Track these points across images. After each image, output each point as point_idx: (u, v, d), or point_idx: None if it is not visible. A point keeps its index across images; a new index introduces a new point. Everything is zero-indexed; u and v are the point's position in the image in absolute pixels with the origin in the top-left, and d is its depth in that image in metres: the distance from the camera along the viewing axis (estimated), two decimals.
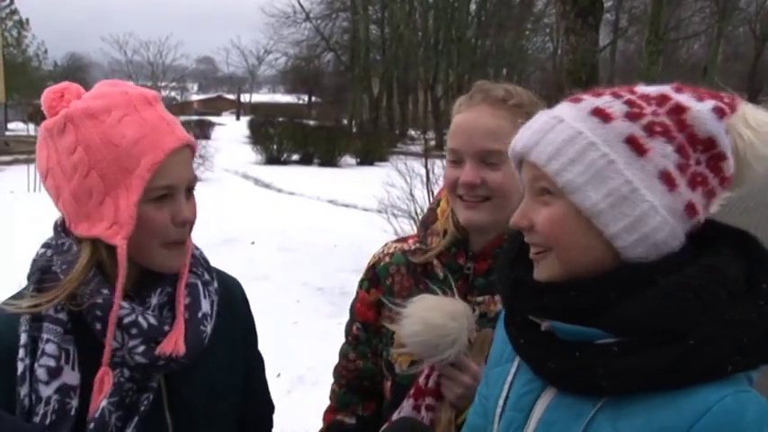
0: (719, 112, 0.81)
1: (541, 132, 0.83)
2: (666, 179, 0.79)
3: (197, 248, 1.13)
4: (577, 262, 0.82)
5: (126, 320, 0.96)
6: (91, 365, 0.96)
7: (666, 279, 0.78)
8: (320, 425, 1.49)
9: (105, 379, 0.95)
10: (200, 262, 1.11)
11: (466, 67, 29.47)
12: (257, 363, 1.25)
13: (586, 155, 0.80)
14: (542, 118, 0.86)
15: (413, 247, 1.34)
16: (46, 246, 1.03)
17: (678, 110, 0.81)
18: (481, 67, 30.47)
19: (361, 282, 1.41)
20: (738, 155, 0.82)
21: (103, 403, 0.94)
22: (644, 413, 0.77)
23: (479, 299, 1.24)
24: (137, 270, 1.01)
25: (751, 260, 0.83)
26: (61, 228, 1.03)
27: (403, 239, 1.42)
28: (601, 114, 0.81)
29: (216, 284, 1.11)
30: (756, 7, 31.93)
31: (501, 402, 0.93)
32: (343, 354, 1.45)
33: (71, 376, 0.95)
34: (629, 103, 0.82)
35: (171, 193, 0.99)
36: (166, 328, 0.99)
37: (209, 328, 1.03)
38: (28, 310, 0.95)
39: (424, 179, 7.00)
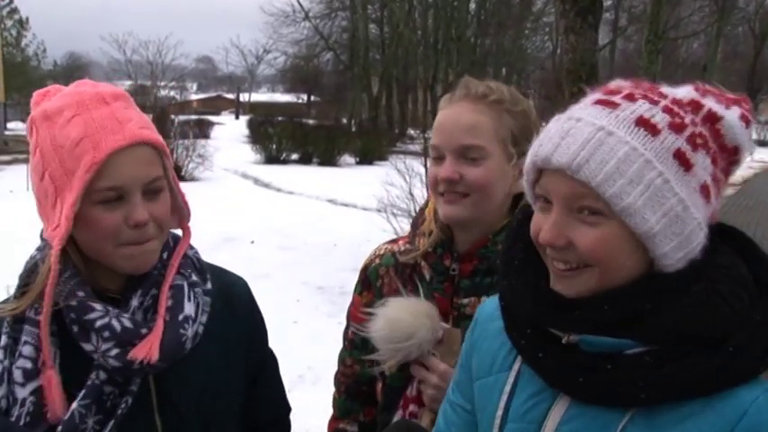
0: (746, 120, 0.81)
1: (591, 147, 0.77)
2: (705, 192, 0.79)
3: (191, 248, 1.11)
4: (617, 279, 0.80)
5: (98, 323, 0.94)
6: (73, 367, 0.96)
7: (696, 286, 0.78)
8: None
9: (52, 381, 0.94)
10: (191, 263, 1.09)
11: (465, 67, 29.41)
12: (267, 362, 1.22)
13: (644, 175, 0.75)
14: (582, 127, 0.78)
15: (402, 248, 1.34)
16: (38, 248, 1.02)
17: (713, 119, 0.80)
18: (481, 66, 30.46)
19: (356, 286, 1.41)
20: None
21: (74, 405, 0.93)
22: (678, 421, 0.76)
23: (465, 301, 1.23)
24: (121, 274, 1.00)
25: (748, 258, 0.84)
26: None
27: (394, 241, 1.42)
28: (647, 126, 0.77)
29: (209, 285, 1.09)
30: (755, 6, 31.95)
31: (500, 413, 0.91)
32: (341, 360, 1.45)
33: (49, 378, 0.94)
34: (669, 111, 0.79)
35: (122, 195, 0.95)
36: (144, 330, 0.97)
37: (190, 331, 1.01)
38: (9, 313, 0.95)
39: (424, 178, 7.02)
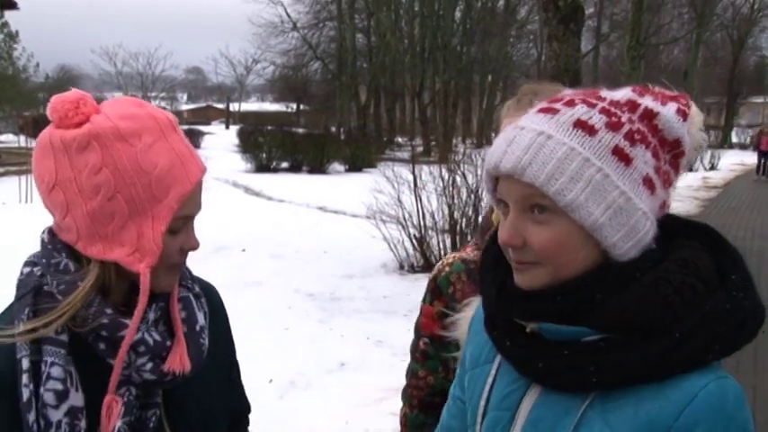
0: (682, 114, 0.85)
1: (533, 151, 0.82)
2: (649, 184, 0.83)
3: None
4: (571, 271, 0.84)
5: (134, 339, 0.95)
6: (94, 386, 0.95)
7: (646, 275, 0.81)
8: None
9: (113, 405, 0.94)
10: (187, 275, 1.10)
11: (452, 74, 29.67)
12: (233, 358, 1.25)
13: (584, 171, 0.80)
14: (525, 134, 0.84)
15: (471, 255, 1.37)
16: (31, 264, 0.99)
17: (649, 115, 0.84)
18: (467, 73, 30.69)
19: (425, 297, 1.43)
20: None
21: (118, 424, 0.94)
22: (632, 405, 0.80)
23: None
24: (127, 285, 1.00)
25: (716, 251, 0.87)
26: (51, 245, 0.97)
27: (461, 249, 1.45)
28: (584, 127, 0.82)
29: (203, 296, 1.10)
30: (733, 13, 32.48)
31: (483, 403, 0.95)
32: (412, 373, 1.45)
33: (77, 398, 0.93)
34: (605, 112, 0.83)
35: (186, 222, 0.99)
36: (168, 343, 0.98)
37: (206, 341, 1.03)
38: (25, 337, 0.92)
39: (412, 185, 7.11)
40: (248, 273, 6.71)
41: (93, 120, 0.94)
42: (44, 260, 0.96)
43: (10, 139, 23.74)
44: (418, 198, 7.04)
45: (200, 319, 1.05)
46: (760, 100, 47.00)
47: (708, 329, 0.79)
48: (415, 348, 1.44)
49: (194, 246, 1.00)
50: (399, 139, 29.90)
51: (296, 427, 3.37)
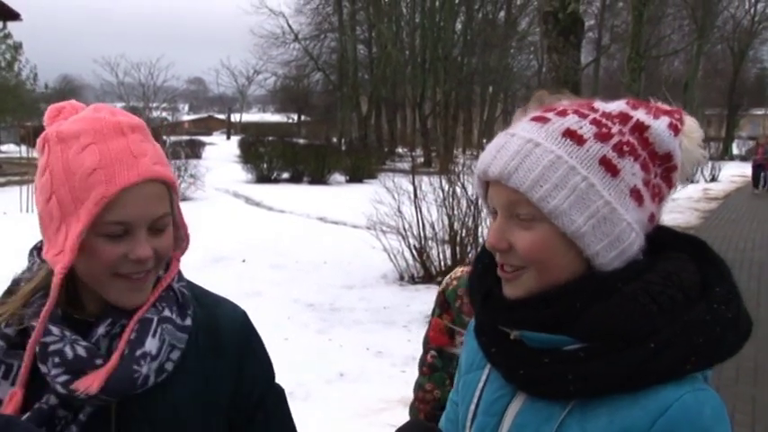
0: (674, 128, 0.86)
1: (519, 157, 0.83)
2: (636, 196, 0.83)
3: (180, 280, 1.07)
4: (555, 278, 0.85)
5: (52, 347, 0.93)
6: (34, 383, 0.95)
7: (628, 286, 0.81)
8: None
9: (13, 397, 0.93)
10: (172, 296, 1.04)
11: (452, 85, 29.80)
12: (266, 400, 1.13)
13: (568, 180, 0.81)
14: (514, 141, 0.85)
15: None
16: (28, 268, 1.02)
17: (640, 128, 0.85)
18: (467, 84, 30.81)
19: (433, 310, 1.45)
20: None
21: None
22: (608, 414, 0.80)
23: None
24: (102, 298, 0.98)
25: (703, 264, 0.87)
26: (36, 247, 1.01)
27: (469, 263, 1.44)
28: (573, 136, 0.83)
29: (188, 321, 1.03)
30: (733, 25, 32.66)
31: (473, 408, 0.96)
32: (419, 387, 1.46)
33: (5, 391, 0.94)
34: (596, 123, 0.84)
35: (127, 230, 0.94)
36: (99, 361, 0.94)
37: (145, 368, 0.96)
38: None
39: (412, 196, 7.12)
40: (248, 283, 6.70)
41: (53, 125, 0.97)
42: (31, 262, 1.01)
43: (11, 150, 23.83)
44: (418, 209, 7.05)
45: (149, 345, 0.97)
46: (761, 112, 47.17)
47: (686, 340, 0.79)
48: (423, 362, 1.46)
49: (140, 255, 0.94)
50: (400, 150, 29.95)
51: None
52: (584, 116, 0.85)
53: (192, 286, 1.10)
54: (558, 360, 0.83)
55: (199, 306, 1.08)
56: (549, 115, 0.87)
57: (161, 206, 0.96)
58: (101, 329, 0.97)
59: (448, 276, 1.45)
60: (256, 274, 7.24)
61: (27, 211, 11.11)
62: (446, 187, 6.89)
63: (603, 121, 0.85)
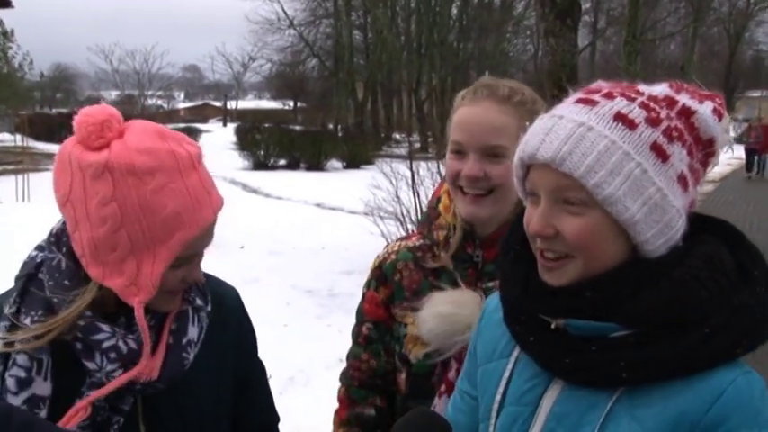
0: (718, 114, 0.85)
1: (573, 141, 0.81)
2: (683, 182, 0.83)
3: None
4: (601, 266, 0.84)
5: (105, 344, 0.95)
6: (65, 377, 0.96)
7: (676, 271, 0.82)
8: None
9: (81, 412, 0.95)
10: (195, 286, 1.08)
11: (449, 71, 29.63)
12: (256, 371, 1.23)
13: (623, 166, 0.80)
14: (565, 124, 0.83)
15: (417, 243, 1.38)
16: (39, 248, 1.02)
17: (687, 113, 0.84)
18: (464, 69, 30.66)
19: (368, 282, 1.43)
20: None
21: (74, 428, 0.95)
22: (660, 400, 0.80)
23: (490, 284, 1.27)
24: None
25: (735, 248, 0.87)
26: (56, 239, 1.01)
27: (405, 237, 1.46)
28: (625, 121, 0.82)
29: (209, 306, 1.10)
30: (729, 7, 32.51)
31: (498, 398, 0.94)
32: (354, 356, 1.45)
33: (42, 387, 0.95)
34: (645, 107, 0.83)
35: (191, 257, 0.99)
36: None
37: (191, 355, 1.03)
38: (25, 345, 0.94)
39: (410, 181, 7.12)
40: (246, 269, 6.71)
41: (113, 148, 0.93)
42: (46, 251, 1.00)
43: (6, 138, 23.71)
44: (416, 194, 7.05)
45: (191, 332, 1.04)
46: (757, 94, 47.08)
47: (736, 324, 0.80)
48: (357, 333, 1.45)
49: (197, 279, 1.02)
50: (397, 136, 29.89)
51: (296, 422, 3.41)
52: (632, 99, 0.84)
53: None
54: (607, 347, 0.82)
55: (207, 285, 1.14)
56: (596, 98, 0.85)
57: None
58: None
59: (384, 249, 1.44)
60: (254, 261, 7.26)
61: (23, 200, 11.08)
62: (443, 172, 6.87)
63: (651, 105, 0.84)
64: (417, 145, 24.06)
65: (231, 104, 60.22)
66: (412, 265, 1.37)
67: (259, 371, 1.24)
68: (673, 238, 0.83)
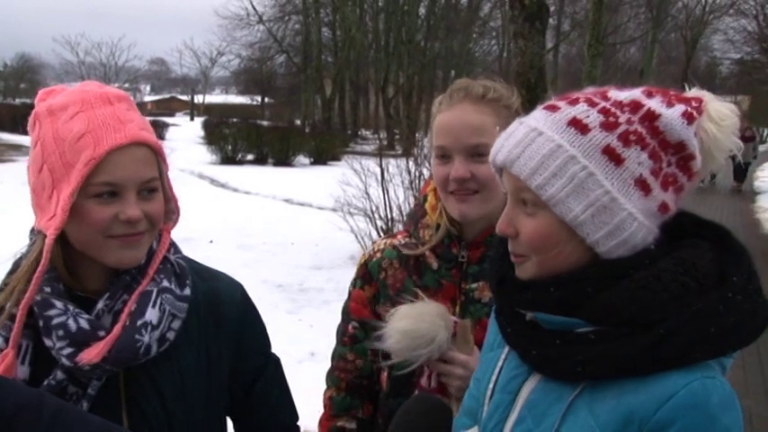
0: (688, 117, 0.84)
1: (522, 145, 0.85)
2: (642, 185, 0.83)
3: (176, 252, 1.11)
4: (558, 265, 0.86)
5: (55, 321, 0.95)
6: (44, 361, 0.97)
7: (639, 272, 0.82)
8: None
9: (4, 357, 0.94)
10: (169, 268, 1.07)
11: (416, 69, 29.85)
12: (266, 370, 1.20)
13: (567, 168, 0.82)
14: (521, 129, 0.87)
15: (403, 241, 1.38)
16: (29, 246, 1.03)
17: (651, 117, 0.84)
18: (430, 68, 30.91)
19: (354, 281, 1.42)
20: (703, 149, 0.86)
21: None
22: (615, 397, 0.81)
23: (473, 285, 1.30)
24: (104, 271, 1.01)
25: (723, 252, 0.86)
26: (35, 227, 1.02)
27: (392, 236, 1.45)
28: (578, 125, 0.83)
29: (187, 291, 1.07)
30: (686, 15, 33.57)
31: (491, 386, 0.98)
32: (339, 356, 1.44)
33: (19, 370, 0.95)
34: (604, 112, 0.84)
35: (117, 191, 0.97)
36: (101, 333, 0.97)
37: (147, 338, 0.99)
38: None
39: (379, 177, 7.22)
40: (216, 264, 6.49)
41: (43, 102, 1.01)
42: (32, 239, 1.02)
43: None
44: (385, 191, 7.15)
45: (149, 315, 1.00)
46: None
47: (695, 328, 0.79)
48: (343, 332, 1.44)
49: (130, 215, 0.97)
50: (364, 132, 29.94)
51: None
52: (593, 105, 0.86)
53: (189, 260, 1.15)
54: (569, 342, 0.84)
55: (200, 280, 1.12)
56: (561, 104, 0.88)
57: (149, 170, 1.00)
58: (100, 304, 1.00)
59: (370, 248, 1.44)
60: (224, 255, 7.23)
61: None
62: (413, 169, 7.02)
63: (612, 110, 0.85)
64: (385, 142, 24.18)
65: (198, 99, 59.27)
66: (397, 263, 1.37)
67: (271, 369, 1.21)
68: (629, 241, 0.83)
